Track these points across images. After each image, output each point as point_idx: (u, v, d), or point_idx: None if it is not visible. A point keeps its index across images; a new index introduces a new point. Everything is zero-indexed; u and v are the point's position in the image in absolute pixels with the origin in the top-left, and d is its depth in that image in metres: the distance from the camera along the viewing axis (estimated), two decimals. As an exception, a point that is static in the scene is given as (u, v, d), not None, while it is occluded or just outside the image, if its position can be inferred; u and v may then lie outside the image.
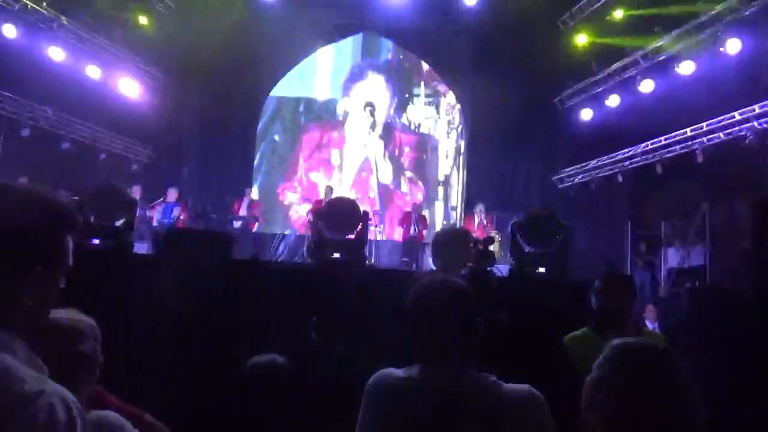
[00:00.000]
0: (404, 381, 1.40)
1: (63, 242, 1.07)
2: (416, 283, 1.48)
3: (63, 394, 0.92)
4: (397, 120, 12.32)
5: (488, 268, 3.41)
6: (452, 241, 3.16)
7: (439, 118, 12.36)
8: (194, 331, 3.24)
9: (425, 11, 11.75)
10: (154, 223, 9.33)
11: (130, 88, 10.36)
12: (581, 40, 10.72)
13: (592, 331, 2.84)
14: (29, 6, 8.35)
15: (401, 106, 12.36)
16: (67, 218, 1.09)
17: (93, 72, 9.54)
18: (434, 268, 3.55)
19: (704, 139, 8.30)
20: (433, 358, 1.40)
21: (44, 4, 8.54)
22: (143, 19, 10.85)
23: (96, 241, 4.19)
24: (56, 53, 8.82)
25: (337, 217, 4.42)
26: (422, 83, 12.42)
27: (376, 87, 12.36)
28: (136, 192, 9.49)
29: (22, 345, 0.97)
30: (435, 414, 1.31)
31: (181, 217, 9.56)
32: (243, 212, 10.28)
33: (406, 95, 12.40)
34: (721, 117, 7.95)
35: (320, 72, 12.40)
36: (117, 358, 1.67)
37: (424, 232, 10.39)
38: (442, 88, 12.37)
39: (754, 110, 7.41)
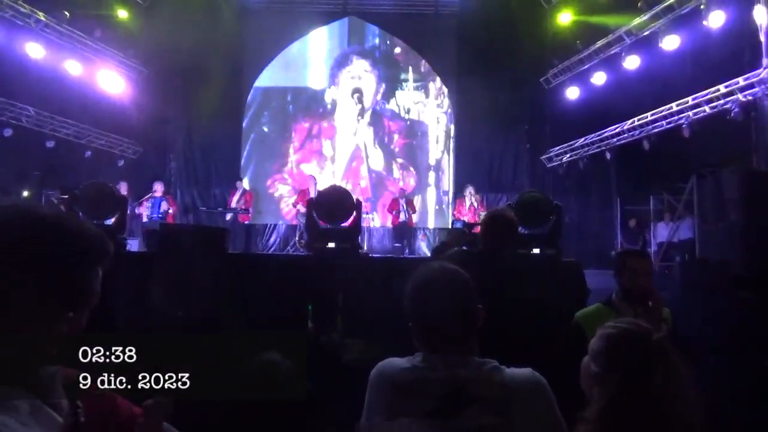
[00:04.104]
0: (408, 371, 1.40)
1: (94, 281, 0.97)
2: (414, 272, 1.49)
3: None
4: (386, 106, 12.24)
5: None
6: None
7: (428, 102, 12.29)
8: (192, 329, 3.23)
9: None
10: (144, 219, 9.27)
11: (113, 83, 10.20)
12: (565, 18, 10.70)
13: (604, 306, 2.85)
14: (4, 2, 8.16)
15: (389, 92, 12.25)
16: (99, 253, 0.98)
17: (73, 68, 9.35)
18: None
19: (690, 113, 8.34)
20: (436, 347, 1.41)
21: (20, 0, 8.35)
22: (123, 13, 10.68)
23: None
24: (35, 50, 8.63)
25: (330, 206, 4.41)
26: (410, 68, 12.32)
27: (362, 72, 12.25)
28: (122, 188, 9.40)
29: (27, 401, 0.87)
30: (441, 403, 1.33)
31: (170, 212, 9.50)
32: (234, 204, 10.25)
33: (394, 81, 12.31)
34: (707, 91, 7.99)
35: (307, 61, 12.25)
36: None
37: (414, 216, 10.49)
38: (430, 72, 12.29)
39: (738, 83, 7.45)
